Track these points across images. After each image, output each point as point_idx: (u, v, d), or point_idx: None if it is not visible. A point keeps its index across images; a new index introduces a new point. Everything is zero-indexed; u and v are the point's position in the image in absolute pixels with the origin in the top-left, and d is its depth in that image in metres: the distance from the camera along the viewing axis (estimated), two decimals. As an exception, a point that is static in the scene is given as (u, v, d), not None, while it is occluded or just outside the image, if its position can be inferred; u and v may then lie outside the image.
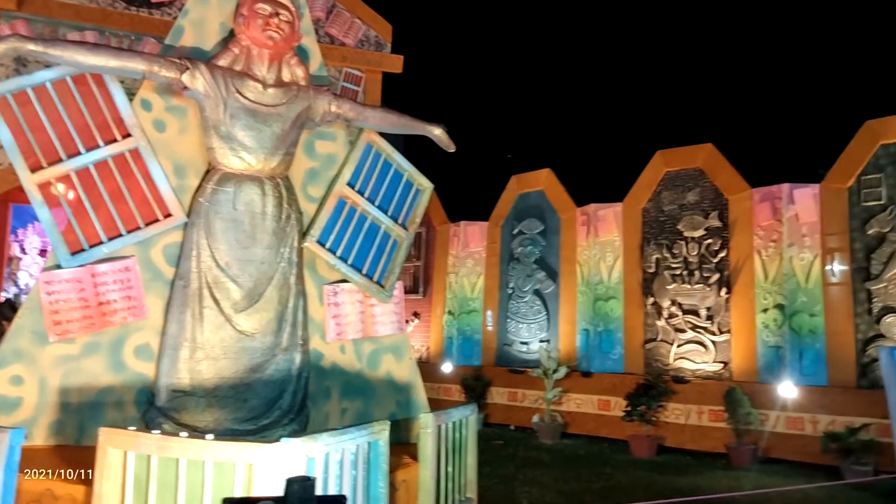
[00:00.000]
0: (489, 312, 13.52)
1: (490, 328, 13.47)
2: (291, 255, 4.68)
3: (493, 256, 13.75)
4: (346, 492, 3.52)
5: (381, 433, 3.73)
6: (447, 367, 13.41)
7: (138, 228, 4.43)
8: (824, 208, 10.06)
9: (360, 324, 4.95)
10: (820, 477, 8.48)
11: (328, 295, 4.87)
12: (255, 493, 3.15)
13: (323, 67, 5.26)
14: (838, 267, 9.86)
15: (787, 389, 9.60)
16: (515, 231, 13.54)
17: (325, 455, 3.36)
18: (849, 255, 9.82)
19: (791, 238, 10.23)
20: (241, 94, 4.57)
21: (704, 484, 8.23)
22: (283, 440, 3.14)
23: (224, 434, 4.10)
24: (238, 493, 3.17)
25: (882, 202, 9.62)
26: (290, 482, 1.74)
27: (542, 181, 13.31)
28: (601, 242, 12.23)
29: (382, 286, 4.98)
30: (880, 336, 9.39)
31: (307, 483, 1.76)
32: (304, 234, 4.76)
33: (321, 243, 4.75)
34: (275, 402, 4.58)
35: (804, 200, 10.14)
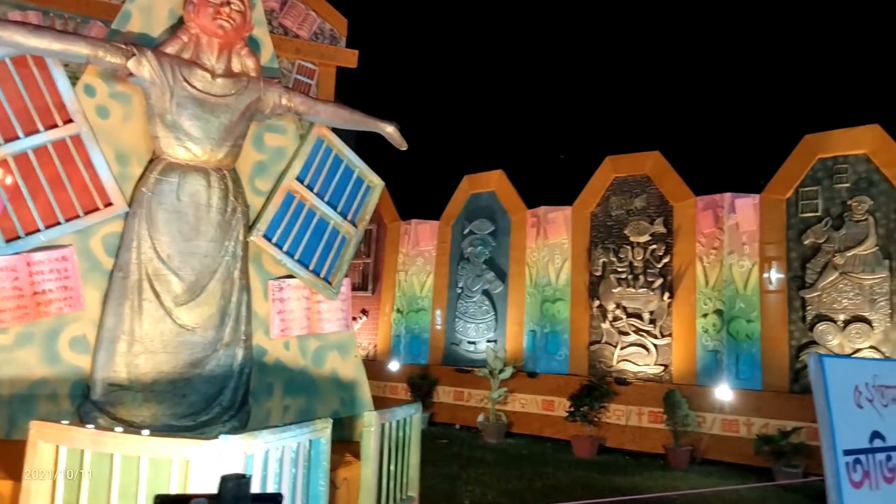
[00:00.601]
0: (438, 311, 13.55)
1: (439, 327, 13.51)
2: (236, 249, 4.60)
3: (443, 256, 13.79)
4: (286, 490, 3.48)
5: (322, 431, 3.69)
6: (394, 366, 13.39)
7: (77, 217, 4.29)
8: (763, 218, 10.40)
9: (306, 320, 4.89)
10: (753, 478, 8.77)
11: (273, 290, 4.80)
12: (190, 491, 3.09)
13: (274, 59, 5.18)
14: (775, 275, 10.21)
15: (724, 393, 9.89)
16: (466, 231, 13.61)
17: (264, 453, 3.31)
18: (785, 264, 10.18)
19: (731, 246, 10.55)
20: (188, 82, 4.46)
21: (642, 484, 8.42)
22: (222, 437, 3.08)
23: (161, 430, 4.00)
24: (174, 491, 3.10)
25: (818, 214, 10.00)
26: (225, 480, 1.71)
27: (494, 182, 13.41)
28: (550, 245, 12.38)
29: (329, 283, 4.94)
30: (813, 343, 9.77)
31: (242, 481, 1.73)
32: (249, 228, 4.68)
33: (267, 238, 4.68)
34: (215, 398, 4.49)
35: (745, 210, 10.46)
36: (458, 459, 9.38)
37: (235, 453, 3.11)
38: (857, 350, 9.39)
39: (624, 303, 11.52)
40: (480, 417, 11.56)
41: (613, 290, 11.65)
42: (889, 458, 3.12)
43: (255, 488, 3.32)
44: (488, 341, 12.89)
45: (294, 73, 11.61)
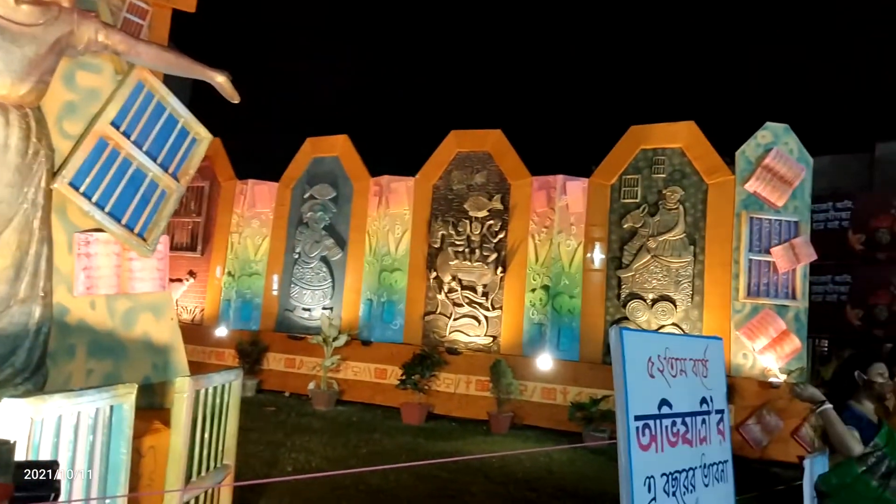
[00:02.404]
0: (276, 276, 13.16)
1: (275, 293, 13.13)
2: (37, 197, 4.12)
3: (280, 219, 13.39)
4: (82, 458, 3.22)
5: (126, 396, 3.45)
6: (222, 331, 12.86)
7: None
8: (590, 201, 11.07)
9: (116, 278, 4.51)
10: (565, 442, 9.41)
11: (79, 244, 4.37)
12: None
13: (92, -10, 4.68)
14: (598, 255, 10.92)
15: (545, 363, 10.49)
16: (307, 195, 13.28)
17: (56, 418, 3.04)
18: (606, 245, 10.91)
19: (561, 225, 11.14)
20: (-16, 5, 3.92)
21: (464, 448, 8.75)
22: (4, 399, 2.78)
23: (-62, 393, 3.55)
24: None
25: (637, 200, 10.80)
26: (-18, 447, 1.52)
27: (339, 147, 13.17)
28: (392, 214, 12.40)
29: (144, 239, 4.58)
30: (625, 318, 10.60)
31: (4, 447, 1.55)
32: (54, 175, 4.22)
33: (74, 186, 4.24)
34: (6, 358, 4.04)
35: (575, 192, 11.07)
36: (284, 427, 9.23)
37: (20, 418, 2.82)
38: (662, 326, 10.32)
39: (460, 275, 11.82)
40: (311, 385, 11.43)
41: (450, 263, 11.91)
42: (674, 424, 3.42)
43: (45, 456, 3.04)
44: (324, 308, 12.74)
45: (124, 12, 10.62)
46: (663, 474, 3.22)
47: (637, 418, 3.12)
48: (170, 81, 5.32)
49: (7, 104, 4.02)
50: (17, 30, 4.03)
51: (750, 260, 9.86)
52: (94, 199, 4.33)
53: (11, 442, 1.60)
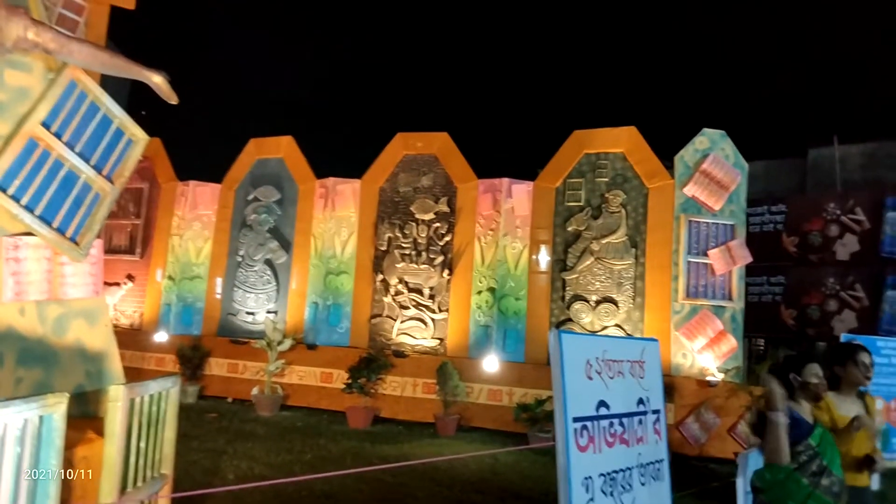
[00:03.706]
0: (219, 279, 12.90)
1: (219, 296, 12.87)
2: (-39, 199, 3.98)
3: (223, 221, 13.14)
4: (8, 471, 3.09)
5: (56, 406, 3.33)
6: (162, 336, 12.54)
7: None
8: (535, 204, 11.21)
9: (46, 284, 4.36)
10: (510, 443, 9.48)
11: (7, 249, 4.21)
12: None
13: (21, -15, 4.51)
14: (543, 257, 11.06)
15: (491, 364, 10.57)
16: (250, 197, 13.07)
17: (-20, 431, 2.92)
18: (551, 248, 11.06)
19: (506, 228, 11.25)
20: None
21: (410, 452, 8.74)
22: (-79, 414, 2.66)
23: None
24: None
25: (581, 203, 10.99)
26: None
27: (283, 149, 13.01)
28: (337, 217, 12.30)
29: (77, 243, 4.44)
30: (569, 320, 10.75)
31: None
32: (-21, 176, 4.06)
33: (2, 188, 4.09)
34: (-74, 369, 3.88)
35: (520, 195, 11.19)
36: (226, 433, 9.05)
37: (-61, 433, 2.70)
38: (605, 327, 10.51)
39: (406, 278, 11.81)
40: (255, 390, 11.25)
41: (397, 265, 11.88)
42: (611, 425, 3.50)
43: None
44: (268, 312, 12.55)
45: (59, 7, 10.26)
46: (601, 474, 3.29)
47: (576, 420, 3.18)
48: (107, 81, 5.17)
49: (-72, 102, 3.86)
50: (-61, 25, 3.87)
51: (688, 262, 10.14)
52: (24, 201, 4.18)
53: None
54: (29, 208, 4.21)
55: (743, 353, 10.31)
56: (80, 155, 4.48)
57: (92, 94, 4.60)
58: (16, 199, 4.16)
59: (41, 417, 3.26)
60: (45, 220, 4.27)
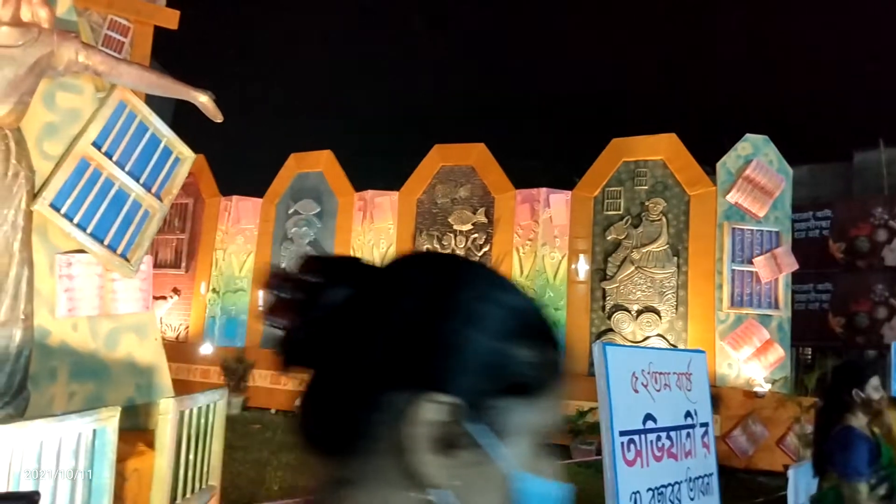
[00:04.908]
0: (261, 292, 13.06)
1: (262, 309, 13.03)
2: (17, 219, 4.10)
3: (265, 235, 13.34)
4: (65, 483, 3.18)
5: (108, 420, 3.42)
6: (207, 349, 12.75)
7: None
8: (573, 214, 11.13)
9: (98, 299, 4.48)
10: (550, 455, 9.37)
11: (61, 266, 4.34)
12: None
13: (73, 11, 4.67)
14: (582, 267, 10.97)
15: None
16: (291, 211, 13.25)
17: (38, 444, 3.00)
18: (591, 257, 10.97)
19: (545, 238, 11.19)
20: (-36, 27, 3.90)
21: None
22: (-16, 428, 2.75)
23: (-84, 420, 3.51)
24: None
25: (620, 212, 10.88)
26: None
27: (322, 163, 13.16)
28: (376, 229, 12.39)
29: (127, 259, 4.56)
30: (610, 330, 10.63)
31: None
32: (34, 196, 4.20)
33: (55, 207, 4.22)
34: (-14, 383, 4.00)
35: (558, 205, 11.13)
36: (270, 445, 9.14)
37: (1, 445, 2.79)
38: (647, 337, 10.37)
39: (444, 289, 11.81)
40: (298, 401, 11.33)
41: (435, 277, 11.89)
42: (658, 439, 3.44)
43: (25, 484, 3.01)
44: (309, 324, 12.67)
45: (105, 29, 10.62)
46: (649, 489, 3.24)
47: (622, 433, 3.14)
48: (152, 99, 5.32)
49: (-14, 126, 4.00)
50: (-4, 51, 4.02)
51: (733, 270, 9.95)
52: (76, 220, 4.31)
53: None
54: (81, 226, 4.34)
55: (791, 363, 10.07)
56: (130, 173, 4.61)
57: (140, 113, 4.73)
58: (68, 217, 4.29)
59: (95, 431, 3.35)
60: (97, 237, 4.40)
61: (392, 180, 12.62)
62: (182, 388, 5.06)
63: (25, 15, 4.20)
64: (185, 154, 5.01)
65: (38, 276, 4.27)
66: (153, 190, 4.76)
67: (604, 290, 10.83)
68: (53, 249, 4.36)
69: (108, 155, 4.51)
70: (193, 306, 13.49)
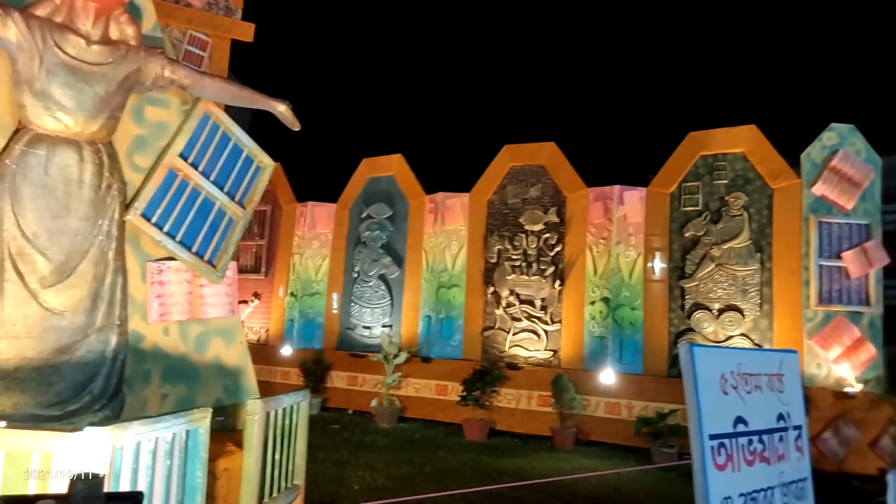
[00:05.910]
0: (335, 295, 13.36)
1: (336, 311, 13.33)
2: (111, 229, 4.31)
3: (339, 239, 13.60)
4: (160, 483, 3.32)
5: (201, 421, 3.55)
6: (286, 350, 13.12)
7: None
8: (649, 211, 10.88)
9: (187, 305, 4.67)
10: (632, 458, 9.20)
11: (152, 273, 4.54)
12: (52, 487, 2.89)
13: (157, 28, 4.88)
14: (658, 265, 10.71)
15: (608, 377, 10.32)
16: (364, 215, 13.47)
17: (135, 445, 3.14)
18: (667, 255, 10.69)
19: (619, 236, 10.98)
20: (60, 48, 4.12)
21: (528, 466, 8.65)
22: (87, 429, 2.89)
23: (24, 420, 3.73)
24: (34, 487, 2.90)
25: (699, 208, 10.56)
26: (75, 479, 1.59)
27: (393, 166, 13.33)
28: (447, 231, 12.45)
29: (214, 266, 4.73)
30: (690, 330, 10.33)
31: (94, 481, 1.62)
32: (127, 207, 4.41)
33: (146, 217, 4.42)
34: (85, 386, 4.22)
35: (632, 202, 10.90)
36: (349, 444, 9.32)
37: (101, 446, 2.93)
38: (730, 337, 10.02)
39: (517, 289, 11.77)
40: (374, 402, 11.53)
41: (507, 277, 11.87)
42: (750, 442, 3.33)
43: (124, 483, 3.15)
44: (383, 326, 12.85)
45: (185, 44, 11.04)
46: (741, 494, 3.13)
47: (712, 437, 3.05)
48: (230, 110, 5.49)
49: (80, 141, 4.22)
50: (88, 69, 4.23)
51: (820, 266, 9.51)
52: (166, 228, 4.50)
53: (101, 475, 1.66)
54: (171, 234, 4.53)
55: (883, 362, 9.52)
56: (215, 183, 4.78)
57: (223, 125, 4.90)
58: (159, 226, 4.49)
59: (188, 431, 3.48)
60: (186, 245, 4.58)
61: (462, 182, 12.65)
62: (265, 389, 5.21)
63: (114, 33, 4.41)
64: (266, 162, 5.16)
65: (132, 283, 4.48)
66: (236, 198, 4.92)
67: (682, 288, 10.54)
68: (145, 257, 4.57)
69: (194, 165, 4.70)
70: (273, 310, 13.90)
